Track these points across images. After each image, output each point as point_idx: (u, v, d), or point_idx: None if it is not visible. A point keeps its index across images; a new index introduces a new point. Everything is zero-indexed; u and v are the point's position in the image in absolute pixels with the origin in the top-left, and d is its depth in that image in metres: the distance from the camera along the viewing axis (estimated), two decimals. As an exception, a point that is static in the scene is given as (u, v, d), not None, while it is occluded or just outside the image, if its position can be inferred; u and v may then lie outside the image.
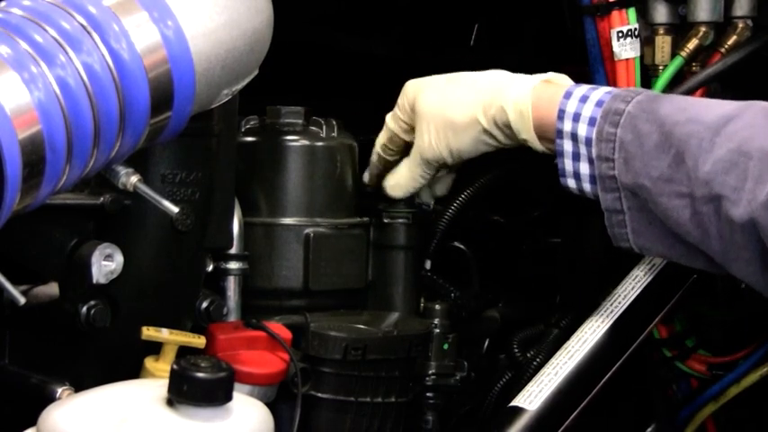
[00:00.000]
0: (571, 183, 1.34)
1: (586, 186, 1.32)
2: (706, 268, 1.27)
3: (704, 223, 1.21)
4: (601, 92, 1.31)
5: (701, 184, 1.20)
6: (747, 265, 1.20)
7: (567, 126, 1.31)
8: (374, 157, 1.50)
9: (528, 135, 1.34)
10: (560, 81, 1.37)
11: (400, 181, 1.46)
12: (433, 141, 1.40)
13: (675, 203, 1.23)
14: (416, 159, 1.43)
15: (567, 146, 1.31)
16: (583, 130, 1.30)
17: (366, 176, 1.51)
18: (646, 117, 1.26)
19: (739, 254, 1.19)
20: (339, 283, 1.44)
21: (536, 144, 1.35)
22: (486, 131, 1.38)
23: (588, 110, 1.30)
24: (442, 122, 1.39)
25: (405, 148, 1.47)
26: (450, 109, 1.39)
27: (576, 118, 1.30)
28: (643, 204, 1.27)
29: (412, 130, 1.44)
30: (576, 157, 1.31)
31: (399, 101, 1.45)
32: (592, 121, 1.29)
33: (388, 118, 1.47)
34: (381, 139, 1.48)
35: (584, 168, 1.31)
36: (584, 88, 1.33)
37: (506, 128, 1.36)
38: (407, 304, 1.49)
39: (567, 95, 1.32)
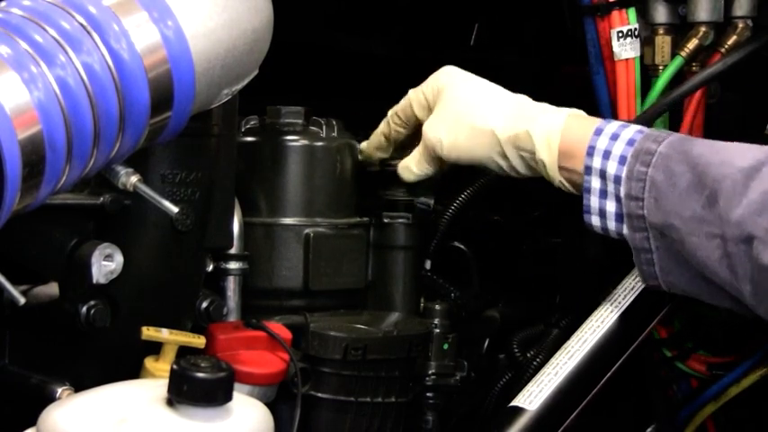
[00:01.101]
0: (595, 220, 1.33)
1: (611, 225, 1.32)
2: (734, 308, 1.27)
3: (734, 265, 1.21)
4: (632, 130, 1.31)
5: (734, 225, 1.20)
6: None
7: (597, 163, 1.31)
8: (381, 125, 1.50)
9: (549, 165, 1.35)
10: (588, 117, 1.38)
11: (410, 164, 1.46)
12: (443, 131, 1.40)
13: (705, 244, 1.23)
14: (423, 148, 1.43)
15: (596, 183, 1.32)
16: (612, 168, 1.30)
17: (364, 144, 1.50)
18: (678, 157, 1.26)
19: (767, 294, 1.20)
20: (339, 283, 1.44)
21: (554, 175, 1.35)
22: (500, 152, 1.38)
23: (619, 148, 1.30)
24: (461, 121, 1.40)
25: (412, 127, 1.47)
26: (475, 112, 1.39)
27: (607, 155, 1.31)
28: (671, 244, 1.27)
29: (429, 110, 1.44)
30: (603, 194, 1.32)
31: (430, 79, 1.45)
32: (622, 160, 1.29)
33: (412, 91, 1.47)
34: (395, 107, 1.48)
35: (611, 206, 1.31)
36: (614, 125, 1.33)
37: (525, 152, 1.36)
38: (407, 304, 1.49)
39: (598, 132, 1.32)
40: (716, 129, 1.60)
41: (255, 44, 1.14)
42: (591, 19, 1.54)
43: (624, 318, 1.36)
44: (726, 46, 1.52)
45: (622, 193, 1.29)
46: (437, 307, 1.48)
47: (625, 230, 1.31)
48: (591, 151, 1.32)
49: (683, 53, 1.52)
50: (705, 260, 1.24)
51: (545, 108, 1.39)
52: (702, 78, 1.49)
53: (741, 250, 1.20)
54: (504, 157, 1.38)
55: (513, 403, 1.33)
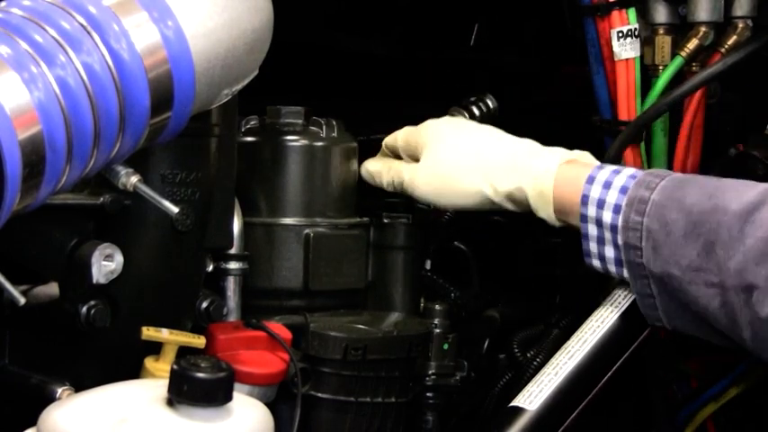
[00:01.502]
0: (596, 263, 1.34)
1: (612, 268, 1.33)
2: (739, 350, 1.27)
3: (734, 313, 1.21)
4: (623, 177, 1.31)
5: (733, 274, 1.20)
6: None
7: (592, 212, 1.31)
8: (379, 155, 1.50)
9: (546, 214, 1.35)
10: (583, 159, 1.37)
11: (373, 172, 1.47)
12: (430, 193, 1.42)
13: (704, 292, 1.23)
14: (404, 186, 1.44)
15: (593, 230, 1.32)
16: (608, 218, 1.30)
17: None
18: (672, 205, 1.26)
19: None
20: (339, 283, 1.44)
21: (553, 221, 1.36)
22: (494, 205, 1.39)
23: (612, 197, 1.30)
24: (447, 184, 1.40)
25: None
26: (461, 174, 1.40)
27: (601, 204, 1.31)
28: (672, 291, 1.27)
29: (410, 158, 1.45)
30: (600, 241, 1.32)
31: (415, 131, 1.45)
32: (616, 209, 1.29)
33: (402, 132, 1.47)
34: (388, 138, 1.49)
35: (610, 252, 1.32)
36: (606, 172, 1.32)
37: (521, 203, 1.37)
38: (407, 304, 1.49)
39: (590, 180, 1.32)
40: (716, 129, 1.61)
41: (255, 44, 1.14)
42: (591, 19, 1.54)
43: (624, 318, 1.36)
44: (726, 46, 1.51)
45: (620, 242, 1.29)
46: (437, 307, 1.48)
47: (626, 275, 1.31)
48: (585, 200, 1.32)
49: (683, 53, 1.52)
50: (704, 308, 1.24)
51: (536, 156, 1.37)
52: (702, 78, 1.49)
53: (741, 299, 1.20)
54: (499, 207, 1.40)
55: (513, 403, 1.33)
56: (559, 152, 1.37)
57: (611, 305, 1.39)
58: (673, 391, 1.63)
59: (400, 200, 1.49)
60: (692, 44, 1.52)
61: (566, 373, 1.34)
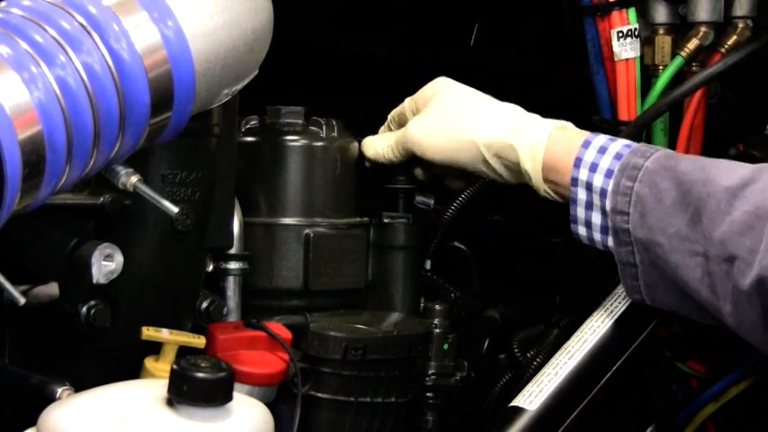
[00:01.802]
0: (582, 230, 1.34)
1: (597, 236, 1.33)
2: (718, 325, 1.27)
3: (715, 284, 1.21)
4: (619, 144, 1.32)
5: (717, 243, 1.21)
6: (753, 327, 1.20)
7: (583, 175, 1.32)
8: (382, 128, 1.51)
9: (532, 171, 1.35)
10: (575, 129, 1.38)
11: (376, 142, 1.47)
12: (424, 139, 1.41)
13: (688, 262, 1.23)
14: (401, 138, 1.44)
15: (582, 194, 1.32)
16: (599, 181, 1.30)
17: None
18: (664, 173, 1.26)
19: (747, 315, 1.20)
20: (339, 283, 1.44)
21: (539, 185, 1.36)
22: (483, 160, 1.39)
23: (606, 161, 1.31)
24: (444, 127, 1.40)
25: None
26: (459, 121, 1.40)
27: (594, 168, 1.31)
28: (655, 260, 1.27)
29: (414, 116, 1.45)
30: (588, 206, 1.32)
31: (425, 87, 1.46)
32: (609, 173, 1.30)
33: (408, 98, 1.48)
34: (394, 111, 1.50)
35: (597, 218, 1.32)
36: (602, 138, 1.33)
37: (509, 162, 1.37)
38: (407, 304, 1.49)
39: (586, 144, 1.33)
40: (716, 129, 1.61)
41: (255, 44, 1.14)
42: (591, 19, 1.54)
43: (624, 318, 1.36)
44: (726, 46, 1.52)
45: (608, 207, 1.29)
46: (437, 307, 1.48)
47: (610, 243, 1.31)
48: (578, 163, 1.32)
49: (683, 53, 1.52)
50: (687, 278, 1.24)
51: (531, 119, 1.39)
52: (702, 78, 1.49)
53: (723, 270, 1.20)
54: (488, 165, 1.39)
55: (513, 403, 1.33)
56: (552, 120, 1.38)
57: (611, 306, 1.39)
58: (673, 391, 1.63)
59: (401, 187, 1.48)
60: (692, 44, 1.52)
61: (566, 373, 1.34)
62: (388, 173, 1.49)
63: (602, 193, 1.30)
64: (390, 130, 1.50)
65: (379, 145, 1.47)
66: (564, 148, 1.34)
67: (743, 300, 1.19)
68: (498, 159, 1.38)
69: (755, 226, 1.18)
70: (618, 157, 1.30)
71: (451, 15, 1.92)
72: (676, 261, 1.24)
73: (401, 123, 1.48)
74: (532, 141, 1.35)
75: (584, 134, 1.35)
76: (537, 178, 1.36)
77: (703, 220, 1.22)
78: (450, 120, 1.41)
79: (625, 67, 1.53)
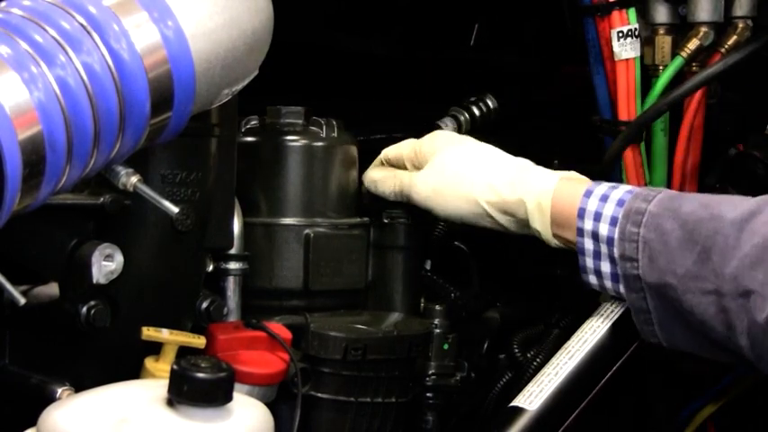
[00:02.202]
0: (592, 279, 1.34)
1: (608, 284, 1.33)
2: (736, 363, 1.28)
3: (731, 320, 1.21)
4: (621, 191, 1.32)
5: (729, 279, 1.21)
6: None
7: (588, 225, 1.32)
8: (376, 161, 1.50)
9: (542, 229, 1.36)
10: (580, 178, 1.38)
11: (379, 184, 1.47)
12: (429, 196, 1.42)
13: (701, 300, 1.23)
14: (404, 189, 1.44)
15: (588, 244, 1.32)
16: (604, 230, 1.31)
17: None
18: (668, 215, 1.26)
19: (766, 349, 1.19)
20: (339, 283, 1.44)
21: (548, 238, 1.36)
22: (489, 217, 1.40)
23: (609, 209, 1.31)
24: (447, 187, 1.41)
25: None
26: (461, 179, 1.40)
27: (598, 217, 1.31)
28: (668, 303, 1.27)
29: (415, 167, 1.46)
30: (597, 255, 1.32)
31: (426, 139, 1.46)
32: (613, 221, 1.30)
33: (408, 142, 1.47)
34: (388, 150, 1.49)
35: (606, 267, 1.32)
36: (604, 187, 1.33)
37: (517, 219, 1.38)
38: (407, 304, 1.49)
39: (588, 194, 1.33)
40: (716, 129, 1.61)
41: (255, 44, 1.14)
42: (591, 19, 1.54)
43: (624, 318, 1.36)
44: (726, 46, 1.52)
45: (616, 255, 1.30)
46: (437, 307, 1.48)
47: (622, 290, 1.31)
48: (582, 213, 1.33)
49: (684, 53, 1.52)
50: (701, 317, 1.24)
51: (536, 173, 1.39)
52: (702, 78, 1.49)
53: (738, 305, 1.20)
54: (494, 221, 1.40)
55: (513, 403, 1.33)
56: (556, 171, 1.39)
57: (612, 305, 1.39)
58: (673, 392, 1.63)
59: (399, 209, 1.48)
60: (692, 44, 1.52)
61: (566, 373, 1.34)
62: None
63: (609, 241, 1.30)
64: (382, 164, 1.50)
65: (382, 186, 1.47)
66: (569, 201, 1.34)
67: (760, 333, 1.19)
68: (504, 216, 1.39)
69: (766, 258, 1.18)
70: (620, 203, 1.30)
71: (451, 15, 1.92)
72: (689, 301, 1.24)
73: (397, 166, 1.48)
74: (539, 197, 1.36)
75: (587, 183, 1.35)
76: (546, 233, 1.36)
77: (713, 258, 1.22)
78: (454, 179, 1.41)
79: (625, 67, 1.53)
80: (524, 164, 1.41)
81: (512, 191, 1.37)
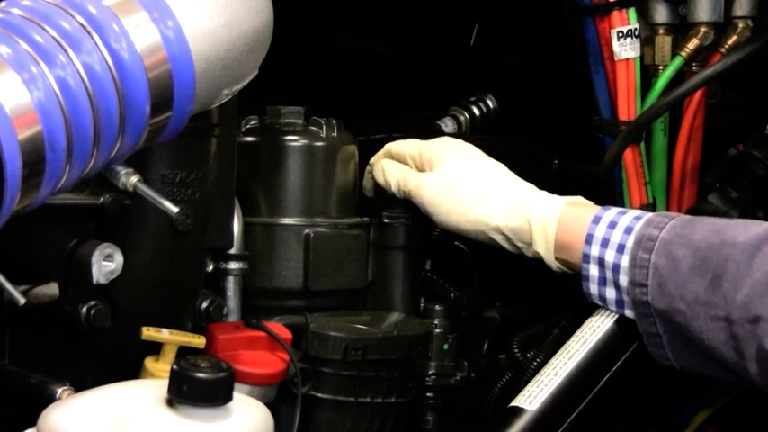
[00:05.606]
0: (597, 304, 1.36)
1: (612, 309, 1.34)
2: (749, 385, 1.27)
3: (740, 346, 1.21)
4: (629, 217, 1.32)
5: (739, 306, 1.20)
6: None
7: (595, 251, 1.32)
8: (377, 155, 1.50)
9: (545, 253, 1.36)
10: (585, 203, 1.38)
11: (389, 174, 1.47)
12: (434, 204, 1.42)
13: (711, 326, 1.23)
14: (411, 191, 1.44)
15: (594, 270, 1.33)
16: (611, 257, 1.31)
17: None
18: (680, 242, 1.26)
19: None
20: (339, 283, 1.44)
21: (550, 261, 1.37)
22: (492, 238, 1.40)
23: (617, 236, 1.31)
24: (456, 202, 1.41)
25: None
26: (470, 197, 1.41)
27: (605, 243, 1.31)
28: (678, 327, 1.27)
29: (417, 168, 1.46)
30: (602, 281, 1.33)
31: (435, 143, 1.46)
32: (620, 248, 1.30)
33: (415, 141, 1.47)
34: (392, 144, 1.49)
35: (611, 294, 1.33)
36: (612, 213, 1.33)
37: (520, 243, 1.38)
38: (407, 304, 1.49)
39: (596, 220, 1.33)
40: (716, 129, 1.61)
41: (255, 44, 1.14)
42: (591, 19, 1.54)
43: (625, 318, 1.36)
44: (726, 46, 1.52)
45: (626, 281, 1.30)
46: (437, 307, 1.47)
47: (628, 315, 1.32)
48: (589, 239, 1.33)
49: (684, 53, 1.52)
50: (711, 343, 1.24)
51: (541, 199, 1.39)
52: (702, 78, 1.49)
53: (747, 331, 1.20)
54: (493, 241, 1.40)
55: (513, 403, 1.33)
56: (562, 197, 1.39)
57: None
58: (673, 392, 1.63)
59: (399, 208, 1.48)
60: (692, 44, 1.52)
61: (566, 373, 1.34)
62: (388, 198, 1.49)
63: (615, 268, 1.30)
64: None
65: (389, 176, 1.47)
66: (575, 226, 1.34)
67: None
68: (507, 240, 1.39)
69: None
70: (628, 231, 1.30)
71: (451, 16, 1.92)
72: (699, 327, 1.24)
73: (398, 159, 1.48)
74: (544, 223, 1.36)
75: (595, 209, 1.35)
76: (549, 257, 1.37)
77: (724, 284, 1.22)
78: (462, 194, 1.41)
79: (625, 68, 1.53)
80: (529, 188, 1.41)
81: (517, 215, 1.37)
